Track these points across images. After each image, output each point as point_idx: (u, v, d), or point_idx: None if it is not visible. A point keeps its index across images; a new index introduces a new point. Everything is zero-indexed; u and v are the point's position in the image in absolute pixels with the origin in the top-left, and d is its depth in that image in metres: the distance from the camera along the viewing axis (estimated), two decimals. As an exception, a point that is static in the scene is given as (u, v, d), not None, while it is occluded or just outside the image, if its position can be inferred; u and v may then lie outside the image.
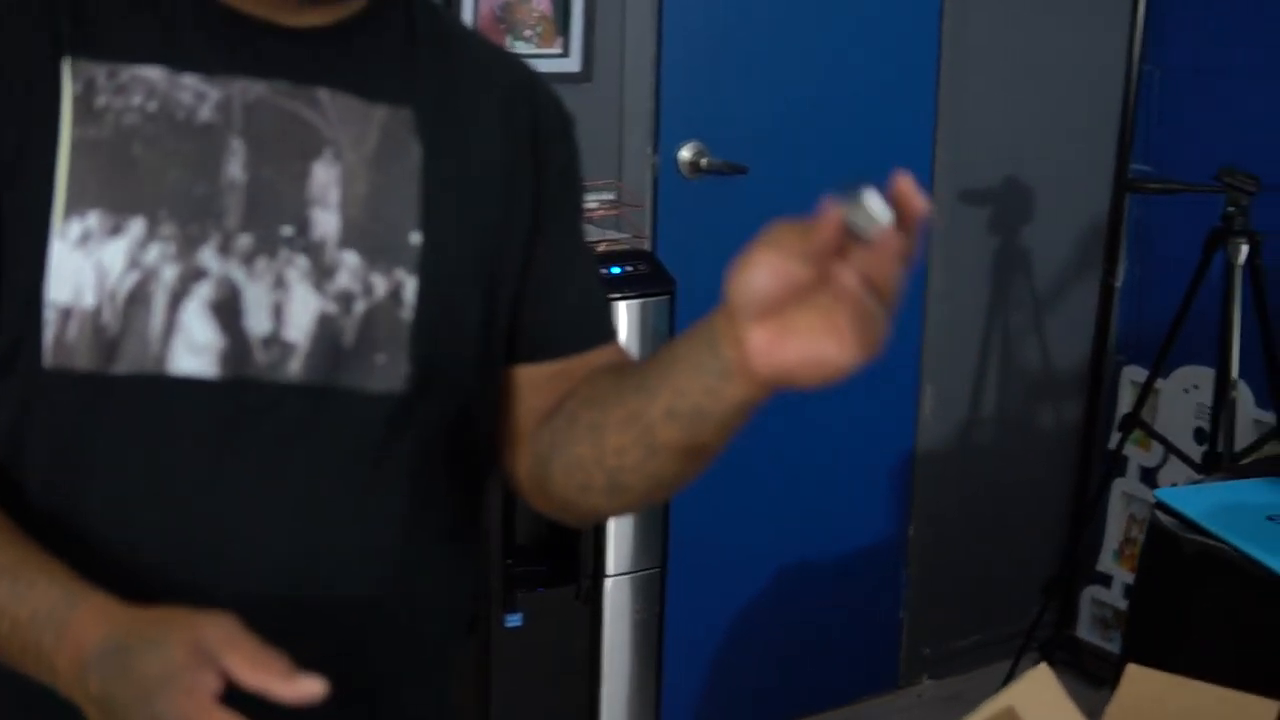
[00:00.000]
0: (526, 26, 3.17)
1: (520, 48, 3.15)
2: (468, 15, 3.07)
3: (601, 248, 3.00)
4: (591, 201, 3.07)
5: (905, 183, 1.04)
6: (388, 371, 1.31)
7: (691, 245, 3.41)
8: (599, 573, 3.04)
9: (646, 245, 3.26)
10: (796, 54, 3.55)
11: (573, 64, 3.23)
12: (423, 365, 1.32)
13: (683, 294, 3.08)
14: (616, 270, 2.96)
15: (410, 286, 1.31)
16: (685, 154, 3.41)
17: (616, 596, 3.06)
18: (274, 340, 1.27)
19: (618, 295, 2.92)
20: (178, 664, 1.08)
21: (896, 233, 1.04)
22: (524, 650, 3.00)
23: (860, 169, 3.63)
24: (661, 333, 2.99)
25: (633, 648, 3.13)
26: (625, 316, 2.94)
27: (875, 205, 1.03)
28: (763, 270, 1.10)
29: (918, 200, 1.04)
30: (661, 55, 3.35)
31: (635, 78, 3.34)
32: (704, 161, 3.42)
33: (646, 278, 2.99)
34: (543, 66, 3.11)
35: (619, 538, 3.05)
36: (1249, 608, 2.58)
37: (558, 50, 3.21)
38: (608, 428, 1.34)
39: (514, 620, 2.97)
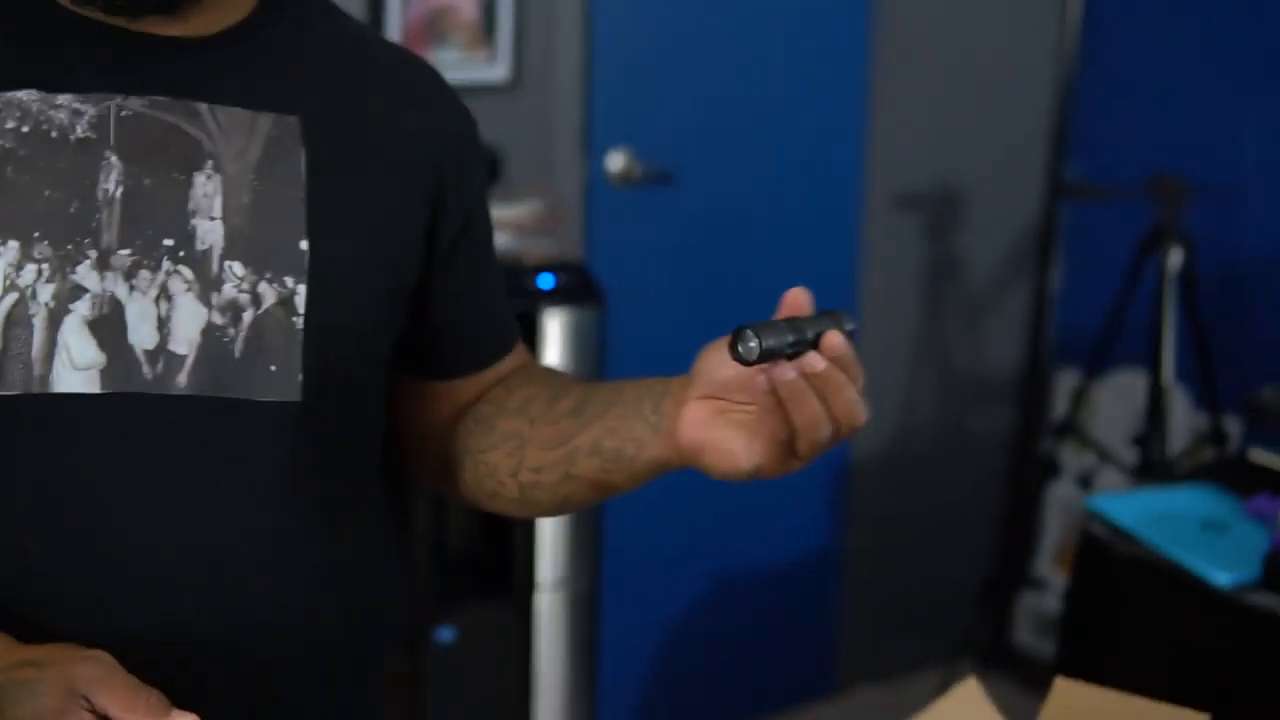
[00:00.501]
0: (454, 34, 3.14)
1: (448, 56, 3.13)
2: (395, 23, 3.05)
3: (531, 258, 2.97)
4: (521, 211, 3.04)
5: (826, 346, 1.16)
6: (281, 380, 1.29)
7: (622, 255, 3.40)
8: (531, 585, 3.01)
9: (577, 255, 3.24)
10: (727, 61, 3.53)
11: (501, 72, 3.20)
12: (318, 373, 1.31)
13: (613, 304, 3.06)
14: (546, 281, 2.94)
15: (301, 294, 1.30)
16: (616, 162, 3.39)
17: (550, 608, 3.04)
18: (160, 353, 1.25)
19: (547, 307, 2.91)
20: (49, 708, 1.07)
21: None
22: (457, 664, 2.98)
23: (792, 174, 3.63)
24: (592, 344, 2.97)
25: (567, 660, 3.11)
26: (555, 328, 2.92)
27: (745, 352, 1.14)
28: (730, 364, 1.18)
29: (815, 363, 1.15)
30: (591, 62, 3.33)
31: (565, 85, 3.31)
32: (635, 169, 3.40)
33: (577, 289, 2.97)
34: (471, 75, 3.15)
35: (552, 549, 3.03)
36: (1182, 616, 2.58)
37: (486, 58, 3.18)
38: (530, 442, 1.39)
39: (447, 635, 2.95)
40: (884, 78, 3.74)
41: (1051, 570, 4.04)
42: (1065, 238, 4.05)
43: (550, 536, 3.01)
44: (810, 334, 1.15)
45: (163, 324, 1.25)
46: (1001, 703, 1.80)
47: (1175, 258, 3.28)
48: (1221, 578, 2.51)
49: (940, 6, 3.82)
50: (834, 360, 1.15)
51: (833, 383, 1.16)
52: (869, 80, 3.73)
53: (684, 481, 3.60)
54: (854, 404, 1.17)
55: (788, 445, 1.19)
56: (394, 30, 3.06)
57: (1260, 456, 2.85)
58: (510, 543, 3.00)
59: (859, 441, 3.91)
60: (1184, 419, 3.64)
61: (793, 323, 1.15)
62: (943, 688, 3.69)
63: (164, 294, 1.25)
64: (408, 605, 2.89)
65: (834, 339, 1.16)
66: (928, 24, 3.80)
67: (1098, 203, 3.84)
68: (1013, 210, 4.05)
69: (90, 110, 1.26)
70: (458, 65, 3.13)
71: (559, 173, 3.33)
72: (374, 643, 1.47)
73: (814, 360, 1.15)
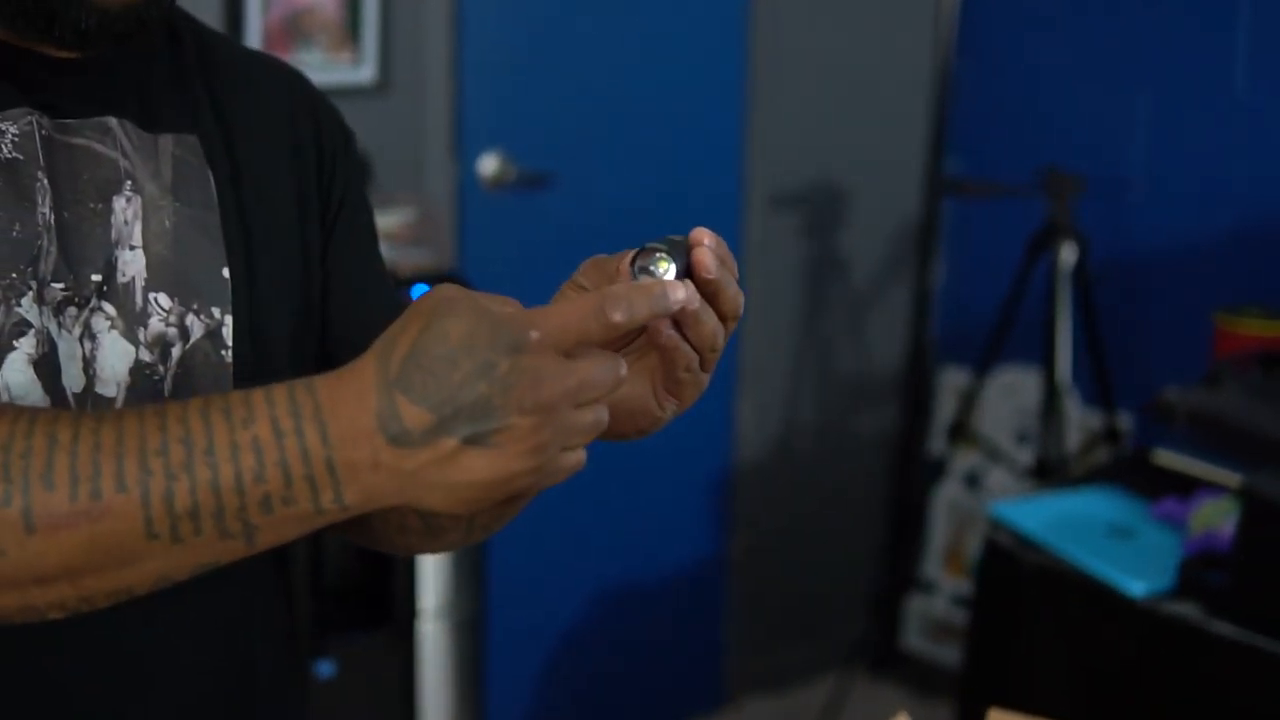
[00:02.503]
0: (317, 35, 3.02)
1: (310, 58, 3.00)
2: (254, 25, 2.93)
3: (402, 270, 2.86)
4: (390, 220, 2.92)
5: (702, 252, 1.05)
6: None
7: (499, 261, 3.31)
8: (413, 613, 2.89)
9: (451, 264, 3.13)
10: (603, 58, 3.44)
11: (367, 74, 3.08)
12: None
13: None
14: (419, 293, 2.81)
15: (228, 325, 1.20)
16: (489, 165, 3.28)
17: (434, 637, 2.92)
18: (87, 396, 1.14)
19: None
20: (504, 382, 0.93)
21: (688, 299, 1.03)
22: (338, 699, 2.86)
23: (670, 175, 3.55)
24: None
25: (453, 689, 3.01)
26: None
27: (662, 274, 1.04)
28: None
29: (710, 264, 1.05)
30: (461, 62, 3.22)
31: (434, 86, 3.20)
32: (509, 172, 3.29)
33: None
34: (335, 77, 3.03)
35: (434, 575, 2.91)
36: (1094, 628, 2.52)
37: (350, 60, 3.06)
38: None
39: (326, 669, 2.83)
40: (761, 75, 3.68)
41: (941, 572, 3.97)
42: (948, 232, 4.00)
43: (431, 562, 2.89)
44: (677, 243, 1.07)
45: (88, 364, 1.14)
46: (894, 708, 1.74)
47: (1068, 254, 3.22)
48: (1135, 587, 2.45)
49: (817, 2, 3.76)
50: (715, 255, 1.07)
51: (719, 282, 1.07)
52: (747, 77, 3.66)
53: (565, 497, 3.50)
54: (737, 293, 1.09)
55: (687, 354, 1.09)
56: (253, 32, 2.94)
57: (1166, 459, 2.79)
58: (390, 570, 2.88)
59: (740, 446, 3.85)
60: (1074, 416, 3.59)
61: (670, 245, 1.06)
62: (836, 695, 3.65)
63: (88, 332, 1.14)
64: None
65: (702, 234, 1.07)
66: (804, 20, 3.73)
67: (983, 198, 3.78)
68: (893, 207, 4.00)
69: (12, 129, 1.14)
70: (321, 67, 3.01)
71: (429, 178, 3.22)
72: (262, 690, 1.33)
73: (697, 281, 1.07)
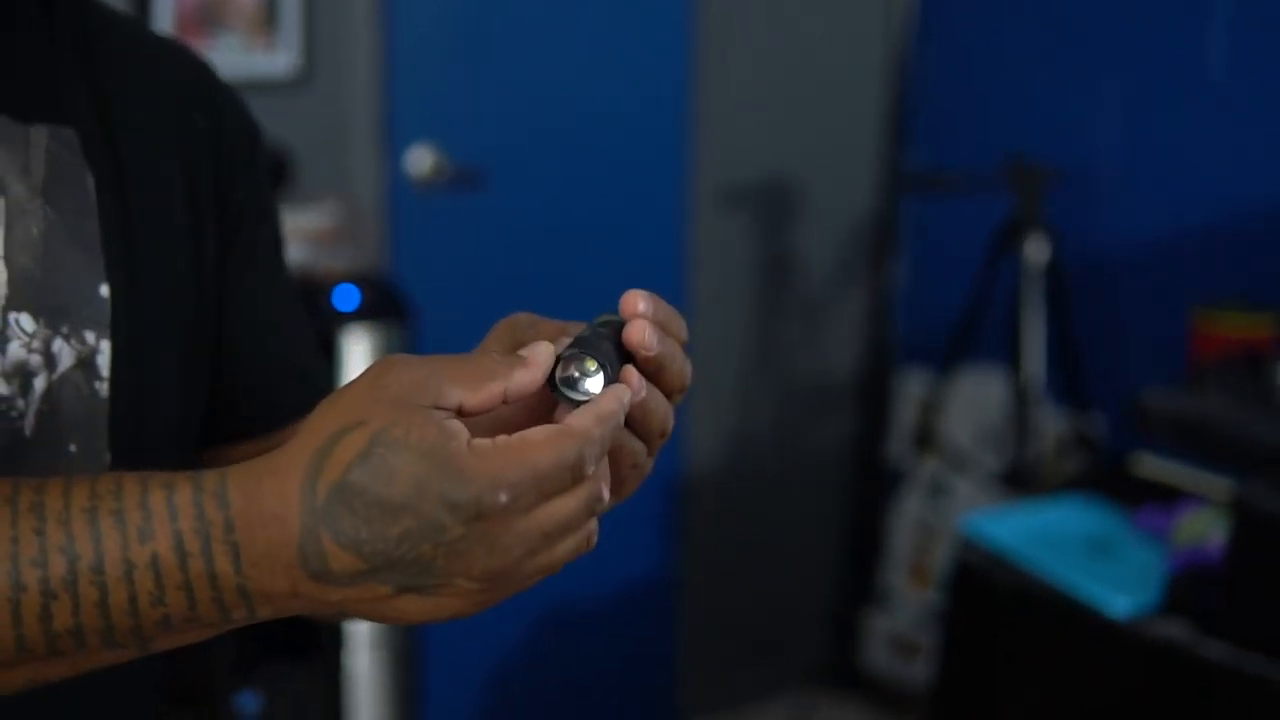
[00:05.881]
0: (233, 21, 2.86)
1: (226, 46, 2.85)
2: (166, 9, 2.78)
3: (328, 273, 2.72)
4: (314, 220, 2.77)
5: (636, 328, 0.90)
6: (83, 464, 1.02)
7: (432, 264, 3.17)
8: (343, 642, 2.72)
9: (380, 267, 2.98)
10: (541, 44, 3.30)
11: (288, 63, 2.94)
12: (127, 451, 1.04)
13: (424, 321, 2.83)
14: (346, 297, 2.69)
15: (105, 352, 1.02)
16: (420, 160, 3.13)
17: (366, 669, 2.77)
18: None
19: (349, 327, 2.64)
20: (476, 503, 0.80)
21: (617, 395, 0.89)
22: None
23: (614, 170, 3.38)
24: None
25: None
26: (358, 351, 2.66)
27: (589, 384, 0.89)
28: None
29: (648, 340, 0.91)
30: (390, 49, 3.07)
31: (360, 76, 3.05)
32: (442, 168, 3.14)
33: (381, 305, 2.73)
34: (254, 68, 2.86)
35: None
36: (1076, 651, 2.38)
37: (270, 48, 2.91)
38: None
39: (250, 703, 2.68)
40: (708, 64, 3.54)
41: (904, 586, 3.80)
42: (909, 228, 3.88)
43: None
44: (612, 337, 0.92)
45: None
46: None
47: (1038, 249, 3.06)
48: (1119, 605, 2.30)
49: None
50: (653, 326, 0.92)
51: (661, 358, 0.93)
52: (693, 67, 3.53)
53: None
54: (685, 364, 0.95)
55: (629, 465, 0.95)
56: (165, 16, 2.79)
57: (1147, 466, 2.62)
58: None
59: (691, 456, 3.71)
60: (1045, 421, 3.44)
61: (595, 341, 0.90)
62: (796, 717, 3.50)
63: None
64: (203, 670, 2.60)
65: (635, 301, 0.92)
66: (753, 7, 3.61)
67: (945, 191, 3.64)
68: (850, 202, 3.87)
69: None
70: (238, 56, 2.85)
71: (356, 175, 3.08)
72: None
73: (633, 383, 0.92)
